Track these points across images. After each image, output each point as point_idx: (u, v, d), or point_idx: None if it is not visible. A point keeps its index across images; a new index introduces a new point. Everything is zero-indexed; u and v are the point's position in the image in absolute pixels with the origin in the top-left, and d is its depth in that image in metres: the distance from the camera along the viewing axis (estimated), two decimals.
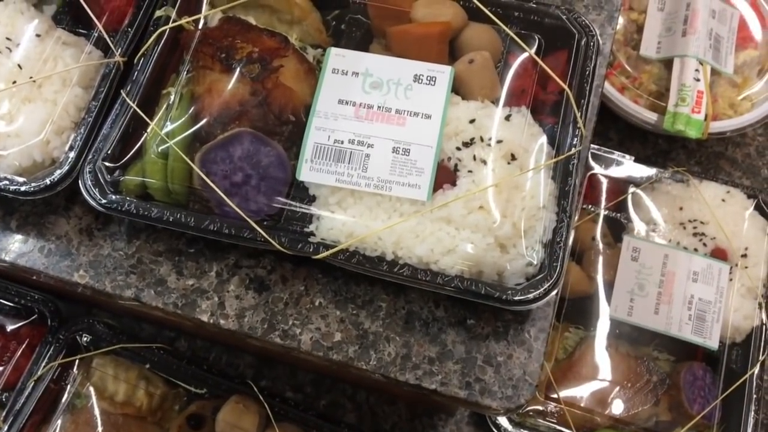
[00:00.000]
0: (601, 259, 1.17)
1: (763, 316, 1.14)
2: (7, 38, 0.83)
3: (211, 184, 0.75)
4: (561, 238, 0.76)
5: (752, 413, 1.09)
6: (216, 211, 0.77)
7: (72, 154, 0.79)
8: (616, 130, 1.38)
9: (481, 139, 0.78)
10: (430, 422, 1.21)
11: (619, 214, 1.21)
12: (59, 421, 1.06)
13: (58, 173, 0.78)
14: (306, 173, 0.77)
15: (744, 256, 1.16)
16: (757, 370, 1.11)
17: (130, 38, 0.85)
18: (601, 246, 1.18)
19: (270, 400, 1.09)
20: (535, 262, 0.74)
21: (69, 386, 1.08)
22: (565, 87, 0.82)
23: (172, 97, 0.80)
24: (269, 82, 0.79)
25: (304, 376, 1.22)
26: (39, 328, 1.14)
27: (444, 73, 0.80)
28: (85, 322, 1.12)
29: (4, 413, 1.06)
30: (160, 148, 0.77)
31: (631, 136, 1.38)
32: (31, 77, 0.81)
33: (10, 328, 1.14)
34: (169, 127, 0.78)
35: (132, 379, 1.08)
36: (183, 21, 0.84)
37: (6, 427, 1.04)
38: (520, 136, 0.79)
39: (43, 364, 1.08)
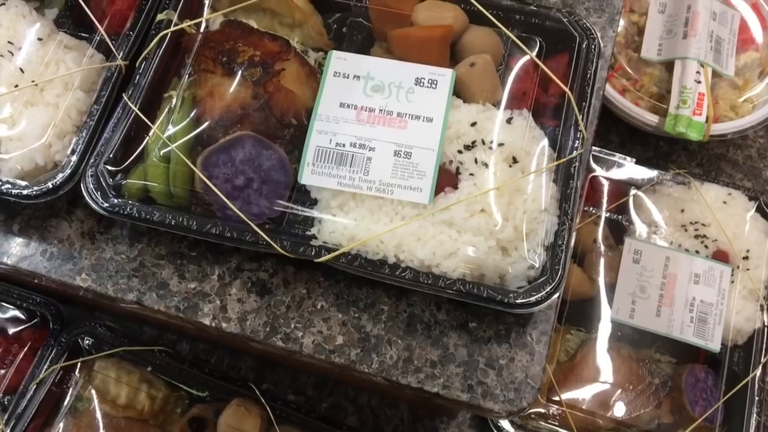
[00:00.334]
0: (602, 261, 1.17)
1: (765, 318, 1.14)
2: (9, 42, 0.83)
3: (213, 188, 0.75)
4: (563, 241, 0.76)
5: (754, 415, 1.09)
6: (218, 215, 0.77)
7: (74, 158, 0.79)
8: (617, 132, 1.38)
9: (483, 142, 0.78)
10: (432, 425, 1.21)
11: (620, 216, 1.21)
12: (61, 425, 1.06)
13: (60, 177, 0.78)
14: (308, 176, 0.77)
15: (746, 258, 1.16)
16: (759, 372, 1.11)
17: (131, 42, 0.85)
18: (602, 248, 1.18)
19: (272, 403, 1.09)
20: (537, 265, 0.74)
21: (71, 389, 1.08)
22: (567, 90, 0.82)
23: (174, 101, 0.80)
24: (271, 86, 0.79)
25: (305, 378, 1.22)
26: (41, 331, 1.14)
27: (445, 76, 0.81)
28: (87, 325, 1.12)
29: (6, 417, 1.06)
30: (162, 152, 0.77)
31: (632, 138, 1.38)
32: (33, 81, 0.81)
33: (12, 331, 1.14)
34: (171, 130, 0.78)
35: (134, 382, 1.08)
36: (185, 24, 0.84)
37: (8, 431, 1.04)
38: (521, 139, 0.79)
39: (45, 367, 1.08)
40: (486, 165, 0.77)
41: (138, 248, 0.83)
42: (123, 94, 0.81)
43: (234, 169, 0.76)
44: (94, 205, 0.77)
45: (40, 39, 0.84)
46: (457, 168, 0.78)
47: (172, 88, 0.82)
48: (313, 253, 0.75)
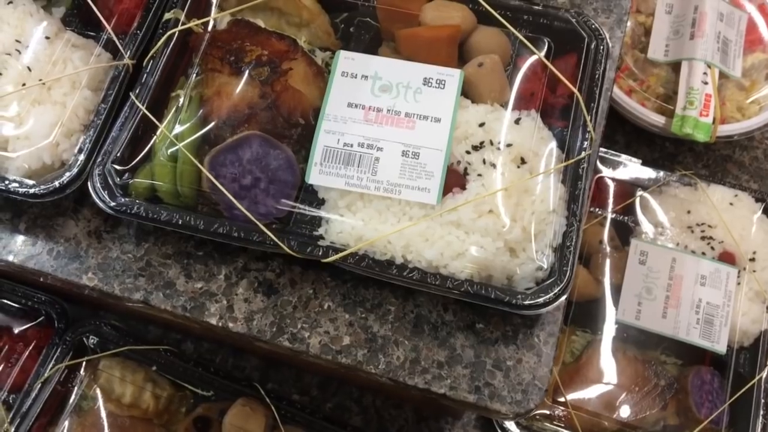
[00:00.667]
0: (608, 262, 1.17)
1: None
2: (17, 40, 0.83)
3: (221, 187, 0.75)
4: (571, 243, 0.76)
5: (760, 417, 1.08)
6: (225, 214, 0.77)
7: (81, 157, 0.79)
8: (624, 133, 1.38)
9: (491, 143, 0.78)
10: (437, 426, 1.21)
11: (626, 218, 1.21)
12: (66, 423, 1.06)
13: (67, 176, 0.78)
14: (315, 176, 0.77)
15: (752, 260, 1.16)
16: (765, 374, 1.10)
17: (139, 41, 0.85)
18: (608, 249, 1.18)
19: (276, 403, 1.09)
20: (545, 267, 0.74)
21: (76, 388, 1.08)
22: (575, 91, 0.82)
23: (181, 100, 0.80)
24: (278, 85, 0.79)
25: (310, 378, 1.22)
26: (46, 329, 1.13)
27: (453, 76, 0.80)
28: (92, 324, 1.12)
29: (11, 415, 1.06)
30: (169, 151, 0.77)
31: (638, 139, 1.37)
32: (40, 80, 0.81)
33: (17, 329, 1.14)
34: (178, 129, 0.78)
35: (139, 381, 1.08)
36: (192, 24, 0.84)
37: (13, 429, 1.04)
38: (529, 140, 0.79)
39: (50, 366, 1.08)
40: (494, 166, 0.77)
41: (145, 247, 0.82)
42: (130, 93, 0.81)
43: (241, 168, 0.76)
44: (101, 204, 0.77)
45: (47, 37, 0.84)
46: (465, 168, 0.78)
47: (179, 88, 0.82)
48: (320, 254, 0.75)
